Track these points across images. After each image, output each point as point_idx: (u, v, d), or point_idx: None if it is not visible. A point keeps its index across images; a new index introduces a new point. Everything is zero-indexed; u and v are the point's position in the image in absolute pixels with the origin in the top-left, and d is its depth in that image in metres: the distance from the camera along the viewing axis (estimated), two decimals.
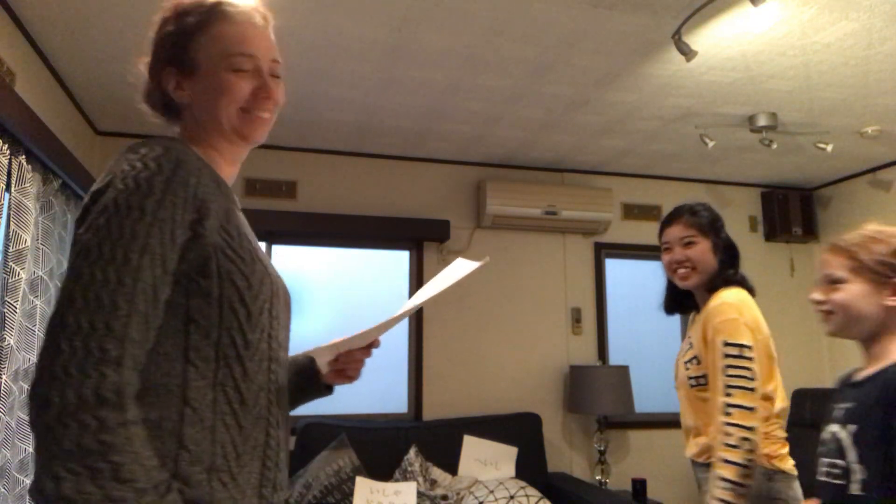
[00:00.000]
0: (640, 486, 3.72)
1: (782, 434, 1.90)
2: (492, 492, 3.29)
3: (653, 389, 4.37)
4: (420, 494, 3.25)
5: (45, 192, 2.45)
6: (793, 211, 4.57)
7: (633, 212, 4.45)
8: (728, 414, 1.70)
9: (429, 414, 3.92)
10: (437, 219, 4.03)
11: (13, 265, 2.12)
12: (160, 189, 0.87)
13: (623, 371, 3.83)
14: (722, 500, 1.63)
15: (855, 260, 1.36)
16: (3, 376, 2.07)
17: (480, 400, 4.01)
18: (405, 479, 3.37)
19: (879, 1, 2.36)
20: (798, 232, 4.55)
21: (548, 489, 3.68)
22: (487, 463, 3.59)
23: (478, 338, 4.07)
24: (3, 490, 2.13)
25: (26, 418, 2.31)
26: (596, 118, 3.49)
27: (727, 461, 1.66)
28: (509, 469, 3.59)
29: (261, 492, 0.94)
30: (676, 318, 4.49)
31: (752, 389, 1.71)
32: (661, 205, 4.52)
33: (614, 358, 4.32)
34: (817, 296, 1.43)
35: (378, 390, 3.94)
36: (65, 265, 2.65)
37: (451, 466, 3.57)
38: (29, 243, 2.19)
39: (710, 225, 1.99)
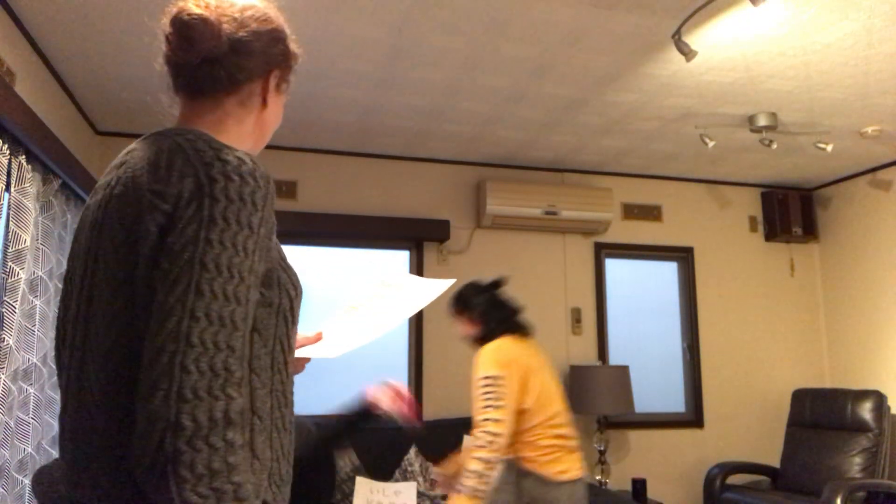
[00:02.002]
0: (640, 486, 3.72)
1: (549, 441, 2.33)
2: None
3: (653, 389, 4.37)
4: (420, 494, 3.25)
5: (45, 192, 2.45)
6: (793, 211, 4.57)
7: (633, 212, 4.45)
8: (485, 422, 2.24)
9: (429, 414, 3.92)
10: (437, 219, 4.03)
11: (13, 265, 2.12)
12: (261, 206, 0.86)
13: (623, 371, 3.83)
14: (467, 486, 2.19)
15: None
16: (3, 376, 2.07)
17: None
18: (405, 479, 3.38)
19: (879, 1, 2.36)
20: (798, 232, 4.55)
21: None
22: None
23: None
24: (2, 490, 2.13)
25: (25, 418, 2.31)
26: (596, 118, 3.49)
27: (475, 456, 2.21)
28: None
29: (283, 489, 0.98)
30: (676, 318, 4.49)
31: (500, 406, 2.26)
32: (661, 205, 4.52)
33: (614, 358, 4.32)
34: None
35: None
36: (64, 265, 2.65)
37: None
38: (29, 243, 2.19)
39: (458, 305, 2.56)
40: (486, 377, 2.30)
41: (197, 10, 0.97)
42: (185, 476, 0.73)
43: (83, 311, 0.91)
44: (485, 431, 2.22)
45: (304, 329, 1.17)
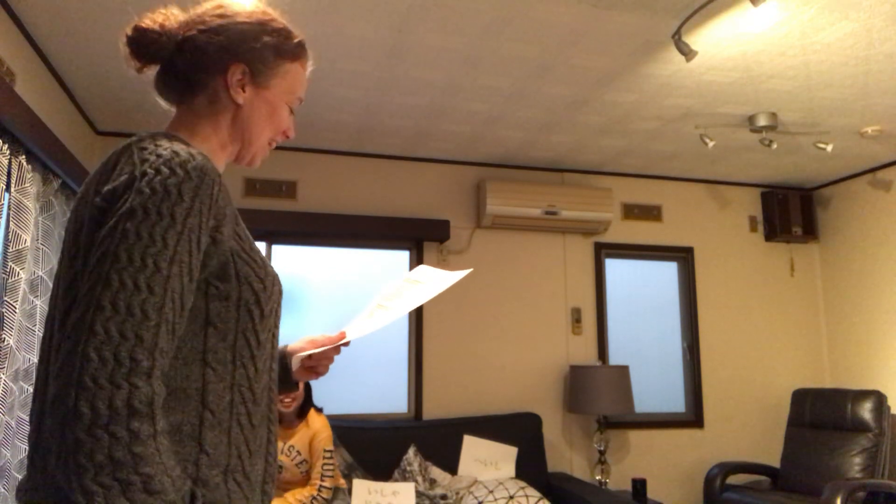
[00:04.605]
0: (640, 486, 3.72)
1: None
2: (491, 492, 3.29)
3: (653, 389, 4.37)
4: (419, 494, 3.25)
5: (45, 192, 2.45)
6: (793, 211, 4.57)
7: (633, 212, 4.45)
8: (321, 489, 2.86)
9: (429, 414, 3.92)
10: (437, 219, 4.03)
11: (13, 265, 2.12)
12: (189, 196, 0.86)
13: (623, 371, 3.83)
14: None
15: None
16: (3, 376, 2.07)
17: (480, 400, 4.01)
18: (404, 478, 3.38)
19: (879, 1, 2.36)
20: (798, 232, 4.55)
21: (548, 489, 3.68)
22: (487, 463, 3.59)
23: (478, 338, 4.07)
24: (2, 490, 2.13)
25: (27, 418, 2.31)
26: (596, 118, 3.49)
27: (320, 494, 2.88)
28: (509, 469, 3.59)
29: (264, 487, 0.96)
30: (676, 318, 4.49)
31: (332, 478, 2.93)
32: (661, 205, 4.52)
33: (614, 358, 4.32)
34: None
35: (378, 390, 3.94)
36: None
37: (452, 466, 3.57)
38: (29, 243, 2.19)
39: None
40: (329, 451, 2.93)
41: (140, 24, 1.00)
42: (85, 465, 0.73)
43: (51, 312, 0.93)
44: (321, 495, 2.87)
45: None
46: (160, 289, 0.81)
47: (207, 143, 1.03)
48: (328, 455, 2.94)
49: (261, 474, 0.95)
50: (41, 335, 2.39)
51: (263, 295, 0.96)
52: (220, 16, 1.03)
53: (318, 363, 1.22)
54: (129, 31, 1.00)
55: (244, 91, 1.04)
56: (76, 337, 0.77)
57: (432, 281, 1.24)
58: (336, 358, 3.93)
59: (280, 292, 1.04)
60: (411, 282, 1.27)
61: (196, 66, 1.02)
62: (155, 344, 0.79)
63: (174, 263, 0.83)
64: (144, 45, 1.00)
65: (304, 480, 2.95)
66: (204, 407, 0.88)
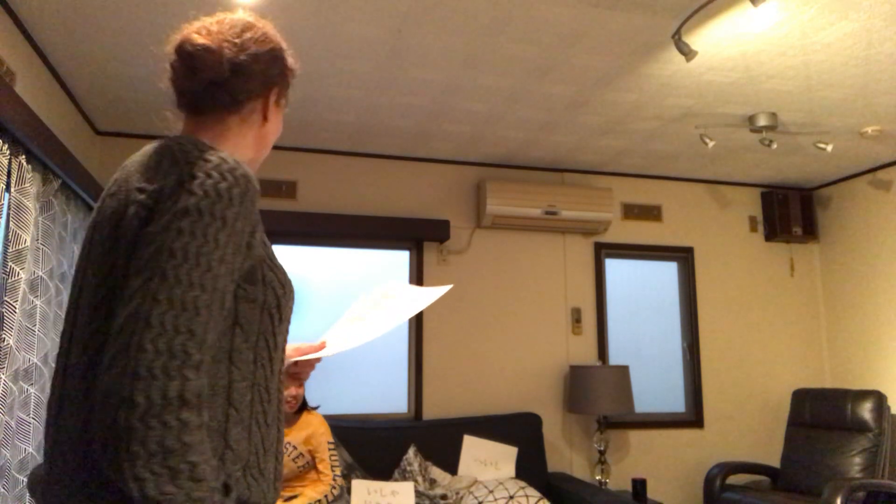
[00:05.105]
0: (640, 486, 3.73)
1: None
2: (491, 492, 3.29)
3: (653, 389, 4.37)
4: (419, 494, 3.25)
5: (45, 192, 2.45)
6: (793, 211, 4.57)
7: (633, 212, 4.45)
8: (335, 479, 2.95)
9: (429, 414, 3.92)
10: (437, 219, 4.03)
11: (13, 265, 2.12)
12: (238, 202, 0.90)
13: (623, 371, 3.83)
14: None
15: None
16: (3, 376, 2.07)
17: (480, 400, 4.01)
18: (404, 478, 3.38)
19: (879, 1, 2.36)
20: (798, 232, 4.55)
21: (548, 489, 3.68)
22: (487, 463, 3.59)
23: (478, 338, 4.08)
24: (2, 490, 2.13)
25: (26, 418, 2.31)
26: (596, 118, 3.49)
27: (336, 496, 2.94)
28: (509, 469, 3.60)
29: (275, 484, 1.00)
30: (676, 318, 4.49)
31: (339, 465, 3.02)
32: (661, 205, 4.52)
33: (614, 358, 4.32)
34: None
35: (378, 390, 3.94)
36: (65, 265, 2.65)
37: (452, 466, 3.57)
38: (29, 243, 2.19)
39: None
40: (332, 443, 3.00)
41: (200, 41, 1.03)
42: (138, 452, 0.75)
43: (74, 304, 0.95)
44: (337, 483, 2.96)
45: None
46: (211, 286, 0.84)
47: (231, 153, 1.08)
48: (332, 447, 2.98)
49: (272, 471, 0.99)
50: (41, 335, 2.39)
51: (283, 300, 1.00)
52: (257, 41, 1.08)
53: (301, 370, 1.28)
54: (189, 45, 1.02)
55: (273, 112, 1.13)
56: (131, 328, 0.79)
57: (409, 297, 1.29)
58: (336, 358, 3.93)
59: (294, 299, 1.08)
60: (386, 296, 1.31)
61: (248, 89, 1.08)
62: (204, 339, 0.82)
63: (223, 263, 0.87)
64: (206, 63, 1.02)
65: (302, 476, 2.96)
66: (229, 404, 0.91)
